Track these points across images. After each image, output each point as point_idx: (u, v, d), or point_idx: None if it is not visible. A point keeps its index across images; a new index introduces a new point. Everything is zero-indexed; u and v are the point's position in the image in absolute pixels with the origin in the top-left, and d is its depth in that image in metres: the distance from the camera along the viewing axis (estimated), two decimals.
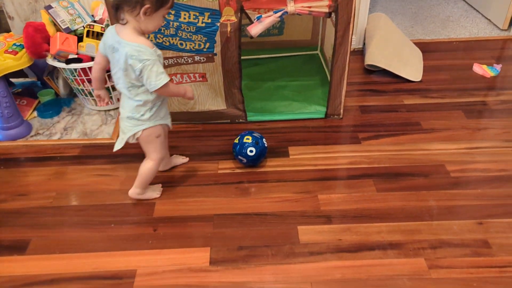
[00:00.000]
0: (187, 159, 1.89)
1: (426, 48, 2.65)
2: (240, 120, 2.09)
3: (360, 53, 2.65)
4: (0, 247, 1.54)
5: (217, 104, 2.04)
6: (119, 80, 1.47)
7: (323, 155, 1.90)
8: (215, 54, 1.87)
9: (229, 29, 1.79)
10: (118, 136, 1.62)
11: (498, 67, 2.40)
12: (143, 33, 1.41)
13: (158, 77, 1.39)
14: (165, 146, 1.69)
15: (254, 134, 1.80)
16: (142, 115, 1.51)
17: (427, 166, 1.81)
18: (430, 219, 1.58)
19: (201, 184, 1.77)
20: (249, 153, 1.76)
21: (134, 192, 1.69)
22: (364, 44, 2.63)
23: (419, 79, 2.36)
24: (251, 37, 1.80)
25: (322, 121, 2.10)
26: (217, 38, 1.82)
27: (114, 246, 1.53)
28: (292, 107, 2.18)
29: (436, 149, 1.89)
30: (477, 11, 3.03)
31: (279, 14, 1.76)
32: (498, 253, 1.45)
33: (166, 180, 1.79)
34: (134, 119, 1.52)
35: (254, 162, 1.81)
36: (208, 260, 1.46)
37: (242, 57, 2.46)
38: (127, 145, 1.99)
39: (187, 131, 2.05)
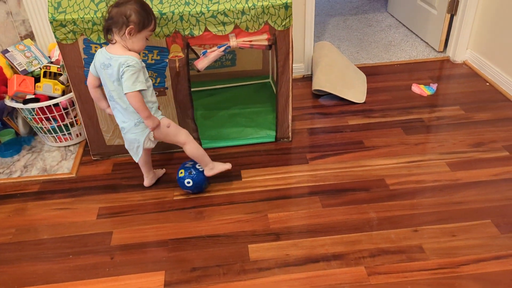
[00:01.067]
0: (164, 170, 2.05)
1: (370, 71, 2.85)
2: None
3: (309, 79, 2.82)
4: None
5: None
6: (113, 93, 1.66)
7: (273, 176, 2.02)
8: (167, 88, 1.99)
9: (177, 64, 1.92)
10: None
11: (434, 86, 2.61)
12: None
13: (135, 83, 1.57)
14: (149, 161, 1.91)
15: (186, 165, 1.89)
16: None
17: (368, 181, 1.95)
18: (370, 229, 1.71)
19: (157, 211, 1.85)
20: (187, 185, 1.86)
21: (207, 169, 1.87)
22: (312, 70, 2.81)
23: (362, 101, 2.54)
24: (198, 70, 1.93)
25: (273, 145, 2.24)
26: (167, 73, 1.94)
27: (72, 276, 1.59)
28: (245, 133, 2.30)
29: (376, 164, 2.04)
30: (416, 35, 3.28)
31: (222, 48, 1.90)
32: (430, 257, 1.58)
33: (124, 209, 1.87)
34: (141, 123, 1.71)
35: (198, 189, 1.90)
36: (162, 283, 1.54)
37: (197, 88, 2.57)
38: (85, 178, 2.08)
39: None
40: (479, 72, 2.74)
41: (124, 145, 2.12)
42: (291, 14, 1.86)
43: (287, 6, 1.84)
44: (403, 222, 1.73)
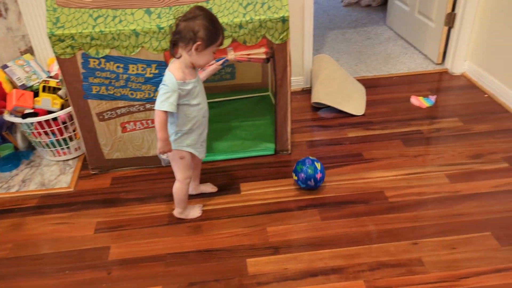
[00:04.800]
0: (216, 189, 2.01)
1: (369, 83, 2.85)
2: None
3: (308, 92, 2.83)
4: None
5: None
6: None
7: (272, 189, 2.01)
8: None
9: None
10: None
11: (433, 98, 2.61)
12: (193, 67, 1.61)
13: (163, 102, 1.55)
14: (196, 173, 1.92)
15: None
16: (170, 136, 1.66)
17: (367, 193, 1.94)
18: (369, 242, 1.69)
19: (155, 225, 1.84)
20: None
21: (176, 212, 1.87)
22: (311, 83, 2.81)
23: (362, 113, 2.54)
24: None
25: (272, 157, 2.23)
26: None
27: None
28: (244, 145, 2.30)
29: (376, 177, 2.03)
30: (415, 47, 3.29)
31: (220, 62, 1.91)
32: (430, 270, 1.56)
33: (122, 224, 1.86)
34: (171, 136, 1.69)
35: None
36: None
37: None
38: (84, 192, 2.07)
39: (143, 175, 2.14)
40: (477, 84, 2.74)
41: (123, 158, 2.13)
42: (288, 27, 1.87)
43: (284, 20, 1.85)
44: (402, 235, 1.72)
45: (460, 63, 2.86)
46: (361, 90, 2.75)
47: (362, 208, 1.86)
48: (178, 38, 1.53)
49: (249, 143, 2.32)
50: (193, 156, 1.75)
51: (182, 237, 1.77)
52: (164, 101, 1.56)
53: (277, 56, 1.95)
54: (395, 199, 1.89)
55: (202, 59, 1.57)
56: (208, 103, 2.67)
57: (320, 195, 1.95)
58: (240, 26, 1.84)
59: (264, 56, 1.94)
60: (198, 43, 1.51)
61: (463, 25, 2.71)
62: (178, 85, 1.56)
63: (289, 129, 2.18)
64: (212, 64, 1.91)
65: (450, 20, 2.81)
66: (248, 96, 2.76)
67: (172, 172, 2.14)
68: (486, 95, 2.63)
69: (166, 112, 1.57)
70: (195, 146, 1.73)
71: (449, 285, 1.50)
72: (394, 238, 1.71)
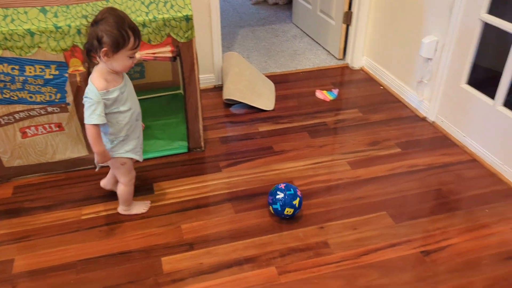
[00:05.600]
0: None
1: (278, 79, 2.97)
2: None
3: (220, 89, 2.87)
4: None
5: (78, 151, 2.06)
6: None
7: (186, 187, 2.03)
8: (68, 104, 1.92)
9: (78, 78, 1.86)
10: None
11: (336, 91, 2.80)
12: (114, 72, 1.55)
13: (91, 116, 1.53)
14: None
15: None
16: (106, 145, 1.64)
17: None
18: (280, 230, 1.79)
19: (64, 232, 1.77)
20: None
21: (120, 209, 1.86)
22: (222, 80, 2.86)
23: (271, 108, 2.64)
24: None
25: (186, 155, 2.25)
26: (68, 88, 1.88)
27: None
28: (157, 145, 2.29)
29: (285, 168, 2.14)
30: (319, 44, 3.49)
31: None
32: (335, 250, 1.69)
33: (27, 234, 1.76)
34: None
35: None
36: None
37: None
38: None
39: (49, 181, 2.04)
40: (374, 77, 2.99)
41: (25, 165, 2.02)
42: (193, 26, 1.90)
43: (188, 19, 1.87)
44: (310, 220, 1.84)
45: (359, 58, 3.09)
46: (270, 86, 2.86)
47: None
48: (88, 47, 1.50)
49: (162, 142, 2.31)
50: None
51: (93, 242, 1.73)
52: (92, 114, 1.53)
53: (184, 54, 1.96)
54: (304, 188, 2.01)
55: (116, 64, 1.52)
56: None
57: (233, 189, 2.01)
58: (144, 25, 1.82)
59: (170, 55, 1.94)
60: (104, 49, 1.46)
61: (359, 23, 2.93)
62: (102, 95, 1.53)
63: (201, 126, 2.21)
64: None
65: (347, 18, 3.03)
66: (159, 95, 2.74)
67: (80, 177, 2.09)
68: (381, 87, 2.88)
69: (96, 125, 1.54)
70: (134, 150, 1.73)
71: (351, 263, 1.64)
72: (303, 224, 1.82)
